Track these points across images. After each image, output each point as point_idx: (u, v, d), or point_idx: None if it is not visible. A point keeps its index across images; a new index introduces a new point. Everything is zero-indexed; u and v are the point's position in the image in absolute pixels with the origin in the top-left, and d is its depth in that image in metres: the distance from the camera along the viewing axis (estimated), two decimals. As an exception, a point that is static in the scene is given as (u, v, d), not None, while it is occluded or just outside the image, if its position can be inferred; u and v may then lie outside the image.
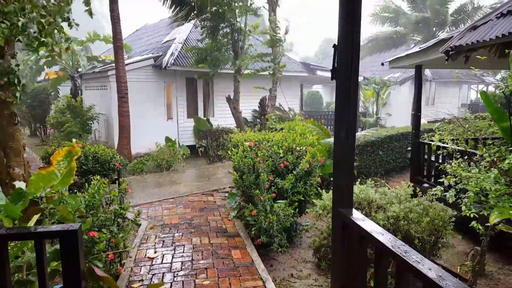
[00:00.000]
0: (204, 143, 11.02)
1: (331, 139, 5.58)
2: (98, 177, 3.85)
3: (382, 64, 7.16)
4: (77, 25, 4.35)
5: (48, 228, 2.12)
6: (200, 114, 13.03)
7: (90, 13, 4.82)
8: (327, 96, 25.97)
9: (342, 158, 2.43)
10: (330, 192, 4.12)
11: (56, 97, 15.53)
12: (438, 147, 5.28)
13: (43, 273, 1.90)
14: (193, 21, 13.00)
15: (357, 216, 2.33)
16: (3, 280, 1.87)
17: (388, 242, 1.90)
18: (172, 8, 10.83)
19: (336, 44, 2.35)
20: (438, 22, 19.73)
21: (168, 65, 11.36)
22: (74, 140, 3.93)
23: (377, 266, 2.04)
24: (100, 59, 14.56)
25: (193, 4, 10.39)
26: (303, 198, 4.86)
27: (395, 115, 18.22)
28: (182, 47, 12.29)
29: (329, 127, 16.24)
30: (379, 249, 1.98)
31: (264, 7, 10.64)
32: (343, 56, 2.35)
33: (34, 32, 3.96)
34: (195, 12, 10.59)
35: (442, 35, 14.68)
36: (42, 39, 3.80)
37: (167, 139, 11.17)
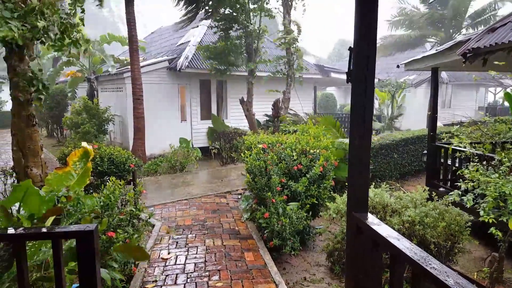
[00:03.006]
0: (217, 144, 11.07)
1: (345, 140, 5.53)
2: (114, 178, 3.90)
3: (398, 66, 7.05)
4: (83, 12, 4.45)
5: (65, 229, 2.17)
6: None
7: (101, 2, 4.90)
8: (341, 98, 25.78)
9: (357, 161, 2.40)
10: (344, 195, 4.08)
11: (74, 98, 15.84)
12: (455, 151, 5.17)
13: (60, 272, 1.93)
14: (207, 24, 13.14)
15: (372, 220, 2.30)
16: (21, 278, 1.92)
17: (404, 248, 1.87)
18: (186, 9, 10.93)
19: (352, 46, 2.33)
20: (455, 24, 19.39)
21: (183, 68, 11.48)
22: (83, 143, 4.00)
23: (392, 272, 2.01)
24: (117, 59, 14.80)
25: (203, 4, 10.47)
26: (316, 201, 4.82)
27: (411, 117, 17.94)
28: (196, 49, 12.42)
29: (343, 129, 16.12)
30: (395, 255, 1.94)
31: (278, 9, 10.65)
32: (359, 58, 2.32)
33: (56, 34, 4.06)
34: (209, 13, 10.68)
35: (459, 37, 14.41)
36: (66, 40, 3.90)
37: (182, 140, 11.27)
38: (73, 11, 4.24)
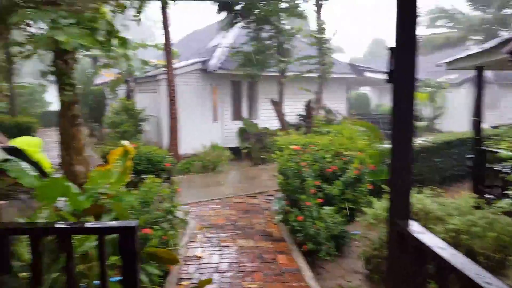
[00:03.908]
0: (248, 145, 11.11)
1: (385, 145, 5.34)
2: (152, 176, 4.01)
3: (439, 65, 6.73)
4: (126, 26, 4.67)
5: (109, 224, 2.25)
6: (245, 116, 13.18)
7: (139, 19, 5.13)
8: (376, 98, 24.98)
9: (400, 165, 2.31)
10: (383, 200, 3.93)
11: (115, 98, 16.54)
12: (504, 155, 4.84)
13: (104, 264, 2.00)
14: (239, 26, 13.25)
15: (415, 228, 2.20)
16: (69, 269, 2.00)
17: (452, 259, 1.76)
18: (220, 14, 11.09)
19: (392, 46, 2.26)
20: (501, 22, 18.27)
21: (215, 69, 11.64)
22: (123, 141, 4.13)
23: (439, 285, 1.90)
24: (152, 64, 15.26)
25: (239, 9, 10.57)
26: (352, 206, 4.69)
27: (453, 119, 17.10)
28: (228, 51, 12.54)
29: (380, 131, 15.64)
30: (441, 266, 1.84)
31: (311, 9, 10.55)
32: (400, 58, 2.24)
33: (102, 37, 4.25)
34: (241, 16, 10.77)
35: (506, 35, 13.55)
36: (113, 41, 4.08)
37: (214, 147, 11.32)
38: (118, 14, 4.43)
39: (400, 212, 2.35)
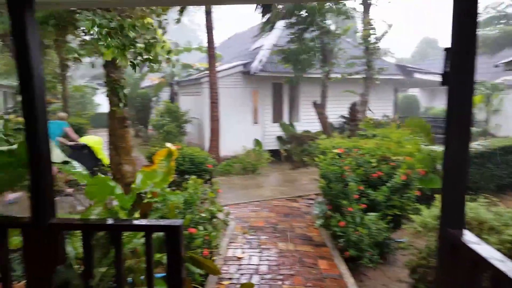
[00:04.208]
0: (288, 147, 11.04)
1: (435, 147, 5.05)
2: (195, 177, 4.12)
3: (497, 66, 6.27)
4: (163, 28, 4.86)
5: (156, 222, 2.33)
6: (286, 119, 13.12)
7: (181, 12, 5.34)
8: (425, 100, 23.72)
9: (454, 171, 2.16)
10: (432, 208, 3.73)
11: (158, 101, 17.26)
12: None
13: (150, 261, 2.08)
14: (281, 27, 13.25)
15: (470, 238, 2.04)
16: (118, 264, 2.10)
17: (512, 273, 1.62)
18: (262, 15, 11.16)
19: (447, 46, 2.13)
20: None
21: (256, 71, 11.71)
22: (168, 144, 4.29)
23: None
24: (195, 67, 15.74)
25: (282, 10, 10.57)
26: (399, 213, 4.49)
27: (509, 123, 15.80)
28: (270, 53, 12.58)
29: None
30: (500, 280, 1.70)
31: (356, 9, 10.29)
32: (456, 59, 2.10)
33: (140, 48, 4.46)
34: (284, 17, 10.75)
35: None
36: (146, 56, 4.26)
37: (255, 142, 11.46)
38: (158, 26, 4.62)
39: (453, 220, 2.19)
